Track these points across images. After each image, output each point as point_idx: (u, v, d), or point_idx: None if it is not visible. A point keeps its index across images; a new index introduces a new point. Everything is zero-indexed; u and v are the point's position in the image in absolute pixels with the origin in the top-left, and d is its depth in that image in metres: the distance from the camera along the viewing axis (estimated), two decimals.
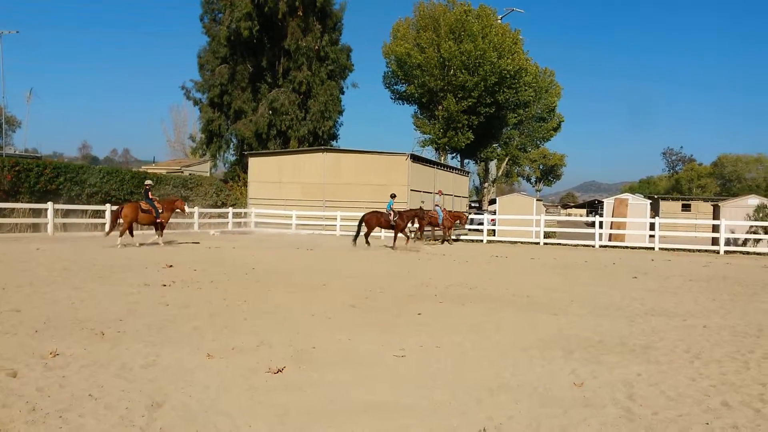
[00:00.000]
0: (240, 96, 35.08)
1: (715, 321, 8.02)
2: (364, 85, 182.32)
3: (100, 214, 21.87)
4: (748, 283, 12.45)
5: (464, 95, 38.20)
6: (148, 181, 18.65)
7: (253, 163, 30.39)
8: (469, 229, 28.39)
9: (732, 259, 19.36)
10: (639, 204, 25.90)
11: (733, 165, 79.46)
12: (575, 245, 23.76)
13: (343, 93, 38.01)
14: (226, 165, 38.68)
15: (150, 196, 17.87)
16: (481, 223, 26.66)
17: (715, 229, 23.06)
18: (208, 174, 42.52)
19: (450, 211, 25.45)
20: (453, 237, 25.13)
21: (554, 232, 28.47)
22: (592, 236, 24.07)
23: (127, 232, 17.21)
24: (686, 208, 43.37)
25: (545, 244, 24.34)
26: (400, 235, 20.17)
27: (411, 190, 27.53)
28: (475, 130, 39.83)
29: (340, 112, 37.60)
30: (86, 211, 21.92)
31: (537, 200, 33.06)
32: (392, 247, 19.61)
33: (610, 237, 24.65)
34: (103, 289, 9.22)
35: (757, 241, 22.30)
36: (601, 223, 24.13)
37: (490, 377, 5.16)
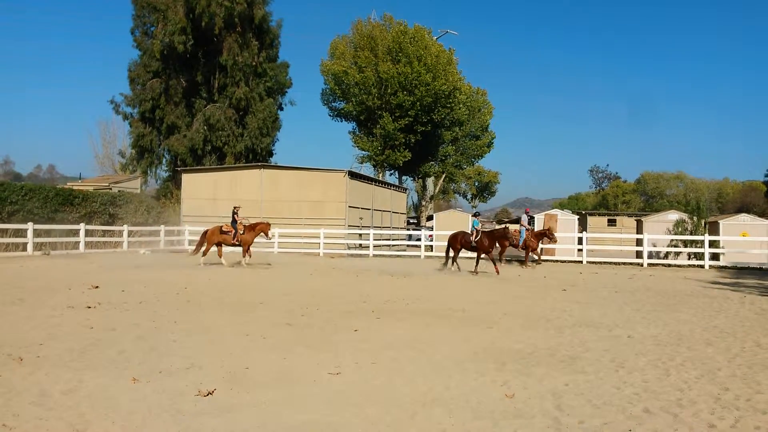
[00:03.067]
0: (173, 111, 34.26)
1: (638, 331, 8.40)
2: (303, 101, 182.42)
3: (21, 233, 20.69)
4: (669, 294, 13.13)
5: (401, 114, 38.77)
6: (235, 205, 19.54)
7: (187, 179, 29.60)
8: (408, 245, 28.64)
9: (654, 271, 20.38)
10: (568, 219, 26.89)
11: (655, 182, 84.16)
12: (508, 260, 24.37)
13: (281, 109, 37.86)
14: (159, 181, 37.60)
15: (235, 219, 18.40)
16: (419, 239, 26.94)
17: (639, 242, 24.21)
18: (138, 191, 41.05)
19: (535, 231, 22.45)
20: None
21: None
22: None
23: (209, 252, 18.28)
24: (612, 223, 45.47)
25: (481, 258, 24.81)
26: (483, 256, 18.27)
27: (349, 206, 27.55)
28: (412, 148, 40.44)
29: (278, 129, 37.38)
30: (6, 230, 20.69)
31: (473, 216, 33.77)
32: (474, 272, 17.58)
33: (541, 251, 25.43)
34: (23, 312, 8.70)
35: (677, 254, 23.56)
36: None
37: (424, 392, 5.19)
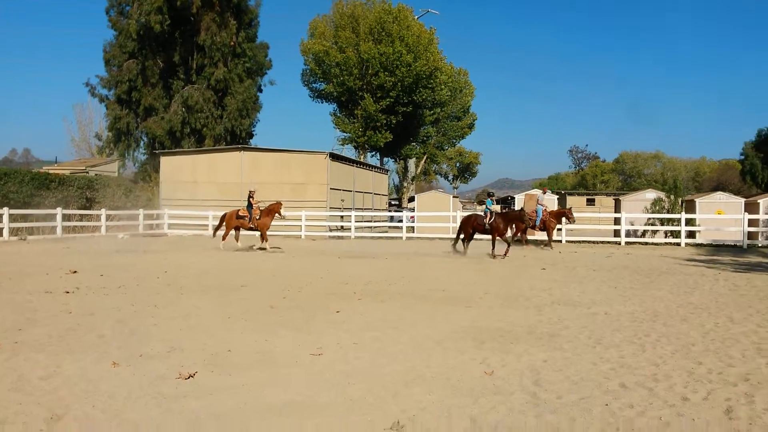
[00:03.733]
0: (150, 93, 33.65)
1: (615, 308, 8.55)
2: (283, 82, 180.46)
3: None
4: (646, 272, 13.36)
5: (382, 95, 38.59)
6: (251, 188, 19.52)
7: (166, 162, 29.22)
8: (389, 227, 28.70)
9: (632, 250, 20.71)
10: (547, 199, 27.08)
11: (633, 162, 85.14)
12: (489, 239, 24.55)
13: (261, 90, 37.40)
14: (136, 165, 37.02)
15: (251, 202, 18.26)
16: (401, 221, 27.01)
17: (617, 221, 24.55)
18: (116, 174, 40.43)
19: (553, 211, 21.70)
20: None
21: None
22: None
23: (230, 236, 18.41)
24: (591, 202, 46.00)
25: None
26: (499, 239, 17.21)
27: (330, 188, 27.46)
28: (393, 129, 40.34)
29: (258, 110, 36.97)
30: None
31: (454, 197, 33.95)
32: (492, 255, 16.85)
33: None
34: (0, 297, 8.59)
35: (655, 232, 23.93)
36: None
37: (405, 370, 5.25)
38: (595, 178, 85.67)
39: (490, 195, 19.69)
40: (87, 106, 58.50)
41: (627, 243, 22.96)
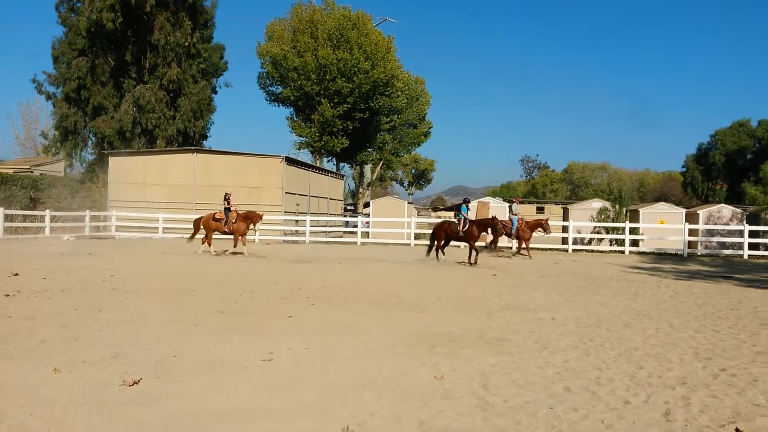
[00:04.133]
0: (100, 91, 32.66)
1: (562, 313, 8.79)
2: (239, 85, 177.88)
3: None
4: (592, 279, 13.78)
5: (340, 100, 38.54)
6: (227, 191, 19.33)
7: (115, 162, 28.38)
8: (344, 232, 28.66)
9: (579, 257, 21.31)
10: (499, 206, 27.63)
11: (581, 172, 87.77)
12: (482, 247, 24.80)
13: (215, 92, 36.85)
14: (84, 165, 35.80)
15: (227, 206, 18.01)
16: (356, 226, 27.03)
17: (565, 229, 25.21)
18: (62, 174, 39.00)
19: (528, 221, 21.56)
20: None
21: (424, 233, 29.58)
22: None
23: (197, 240, 18.26)
24: (540, 210, 47.21)
25: (416, 245, 25.18)
26: (475, 247, 16.82)
27: (286, 192, 27.25)
28: (350, 135, 40.33)
29: (213, 112, 36.39)
30: None
31: (409, 203, 34.19)
32: (469, 263, 16.53)
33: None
34: None
35: (600, 240, 24.69)
36: None
37: (356, 376, 5.25)
38: (545, 187, 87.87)
39: (465, 201, 19.38)
40: (33, 104, 56.18)
41: (574, 250, 23.60)
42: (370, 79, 38.04)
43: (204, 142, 35.97)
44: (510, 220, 21.01)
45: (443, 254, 17.68)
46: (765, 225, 24.32)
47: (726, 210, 25.14)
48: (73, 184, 29.38)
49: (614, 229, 24.17)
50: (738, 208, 26.10)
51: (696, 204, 46.61)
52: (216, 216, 18.02)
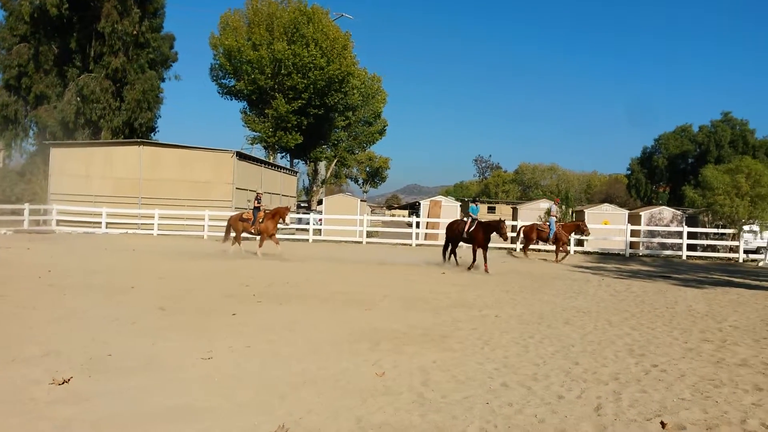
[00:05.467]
0: (43, 79, 31.34)
1: (506, 311, 8.97)
2: (192, 78, 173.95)
3: None
4: (536, 277, 14.11)
5: (294, 96, 38.14)
6: (258, 191, 19.23)
7: (57, 154, 27.28)
8: (296, 229, 28.39)
9: (525, 256, 21.74)
10: (450, 206, 27.95)
11: (532, 173, 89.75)
12: (395, 244, 24.95)
13: (163, 82, 35.89)
14: (24, 156, 34.29)
15: (256, 206, 17.80)
16: (308, 223, 26.84)
17: (514, 229, 25.69)
18: (0, 165, 37.29)
19: (567, 224, 20.50)
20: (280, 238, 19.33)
21: (377, 231, 29.63)
22: (410, 236, 25.46)
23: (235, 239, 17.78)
24: (492, 210, 48.07)
25: (368, 243, 25.22)
26: (480, 251, 15.54)
27: (237, 188, 26.81)
28: (304, 131, 39.97)
29: (161, 103, 35.44)
30: None
31: (362, 201, 34.16)
32: (470, 268, 15.37)
33: (426, 236, 26.29)
34: None
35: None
36: (418, 223, 25.65)
37: (296, 373, 5.23)
38: (497, 187, 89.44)
39: (475, 201, 18.15)
40: None
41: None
42: (326, 75, 37.81)
43: (151, 134, 35.01)
44: (548, 223, 20.38)
45: (455, 258, 16.56)
46: (703, 227, 25.41)
47: (667, 212, 26.12)
48: (12, 176, 28.14)
49: None
50: (678, 210, 27.14)
51: (639, 206, 48.33)
52: (243, 216, 17.87)
